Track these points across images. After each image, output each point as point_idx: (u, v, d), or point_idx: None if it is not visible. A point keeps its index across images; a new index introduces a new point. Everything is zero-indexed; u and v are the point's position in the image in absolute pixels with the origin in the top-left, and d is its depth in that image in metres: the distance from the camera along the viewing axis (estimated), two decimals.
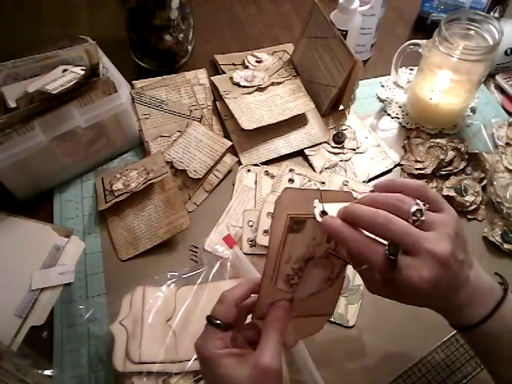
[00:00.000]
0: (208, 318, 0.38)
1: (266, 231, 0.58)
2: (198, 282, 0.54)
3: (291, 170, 0.65)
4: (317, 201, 0.38)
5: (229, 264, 0.55)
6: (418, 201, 0.36)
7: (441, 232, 0.35)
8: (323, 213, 0.38)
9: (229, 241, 0.58)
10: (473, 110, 0.74)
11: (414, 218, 0.35)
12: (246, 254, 0.57)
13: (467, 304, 0.38)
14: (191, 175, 0.63)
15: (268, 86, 0.73)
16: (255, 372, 0.34)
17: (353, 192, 0.50)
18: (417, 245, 0.34)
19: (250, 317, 0.41)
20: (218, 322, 0.37)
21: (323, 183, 0.64)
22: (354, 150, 0.68)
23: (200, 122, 0.69)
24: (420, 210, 0.35)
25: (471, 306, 0.38)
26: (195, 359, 0.48)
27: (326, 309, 0.44)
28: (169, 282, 0.54)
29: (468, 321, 0.38)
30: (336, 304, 0.43)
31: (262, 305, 0.39)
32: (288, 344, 0.41)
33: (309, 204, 0.38)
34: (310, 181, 0.64)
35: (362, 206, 0.36)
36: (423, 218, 0.35)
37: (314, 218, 0.37)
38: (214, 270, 0.54)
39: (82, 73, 0.59)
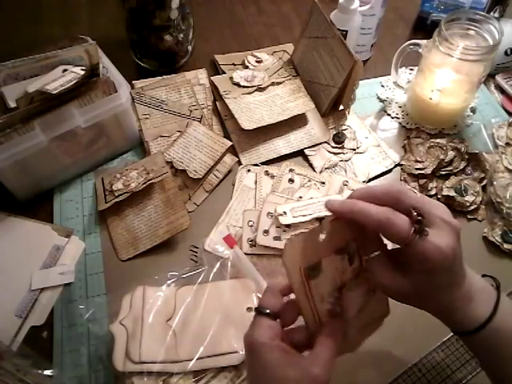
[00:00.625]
0: (256, 309, 0.38)
1: (265, 231, 0.58)
2: (198, 281, 0.54)
3: (291, 170, 0.65)
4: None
5: (229, 264, 0.55)
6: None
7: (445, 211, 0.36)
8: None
9: (229, 241, 0.58)
10: (473, 110, 0.74)
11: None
12: (246, 253, 0.57)
13: (467, 302, 0.38)
14: (191, 175, 0.63)
15: (268, 86, 0.73)
16: (306, 378, 0.34)
17: None
18: (432, 214, 0.34)
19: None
20: (267, 310, 0.37)
21: (323, 183, 0.64)
22: (354, 149, 0.68)
23: (200, 122, 0.69)
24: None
25: (472, 304, 0.38)
26: (196, 359, 0.48)
27: (382, 311, 0.43)
28: (169, 282, 0.54)
29: (473, 321, 0.38)
30: (388, 301, 0.43)
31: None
32: (350, 351, 0.41)
33: (315, 245, 0.37)
34: (309, 181, 0.64)
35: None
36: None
37: (327, 256, 0.37)
38: (215, 270, 0.54)
39: (82, 73, 0.59)
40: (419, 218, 0.34)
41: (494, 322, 0.37)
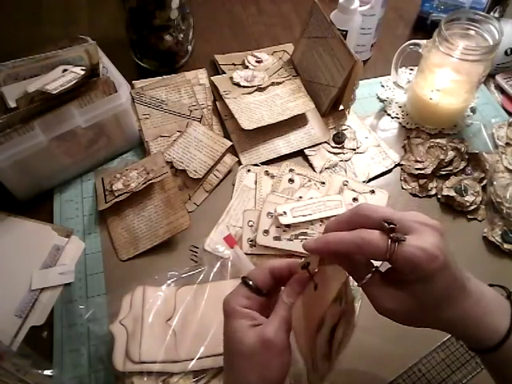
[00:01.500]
0: (243, 277, 0.38)
1: (265, 231, 0.58)
2: (198, 281, 0.54)
3: (291, 170, 0.65)
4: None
5: (229, 264, 0.55)
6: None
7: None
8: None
9: (229, 241, 0.58)
10: (473, 110, 0.74)
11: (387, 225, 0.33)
12: (246, 253, 0.57)
13: (481, 316, 0.35)
14: (191, 175, 0.63)
15: (268, 86, 0.73)
16: (258, 342, 0.34)
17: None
18: (406, 220, 0.34)
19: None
20: (250, 282, 0.37)
21: (323, 183, 0.64)
22: (354, 149, 0.68)
23: (200, 122, 0.69)
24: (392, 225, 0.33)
25: (487, 318, 0.36)
26: (196, 359, 0.48)
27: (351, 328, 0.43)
28: (169, 282, 0.54)
29: (491, 336, 0.35)
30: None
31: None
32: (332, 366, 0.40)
33: (314, 303, 0.36)
34: (309, 181, 0.64)
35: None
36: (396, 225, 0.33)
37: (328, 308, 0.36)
38: (215, 270, 0.54)
39: (82, 73, 0.59)
40: (391, 226, 0.33)
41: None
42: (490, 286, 0.39)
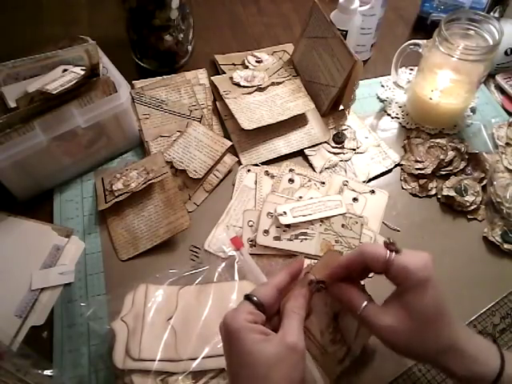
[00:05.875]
0: (246, 295, 0.39)
1: (265, 231, 0.58)
2: (198, 280, 0.54)
3: (291, 170, 0.65)
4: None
5: (236, 266, 0.55)
6: None
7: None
8: (318, 283, 0.42)
9: (236, 242, 0.57)
10: (473, 110, 0.74)
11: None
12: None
13: (474, 353, 0.39)
14: (191, 175, 0.63)
15: (268, 86, 0.73)
16: (283, 349, 0.35)
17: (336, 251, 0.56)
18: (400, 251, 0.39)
19: None
20: (255, 298, 0.38)
21: (323, 183, 0.64)
22: (354, 150, 0.68)
23: (200, 122, 0.69)
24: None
25: (481, 355, 0.39)
26: (196, 359, 0.48)
27: None
28: (171, 280, 0.54)
29: (485, 372, 0.38)
30: None
31: None
32: (354, 350, 0.45)
33: (301, 294, 0.42)
34: (309, 181, 0.64)
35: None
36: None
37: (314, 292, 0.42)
38: (219, 270, 0.54)
39: (82, 73, 0.59)
40: (391, 241, 0.39)
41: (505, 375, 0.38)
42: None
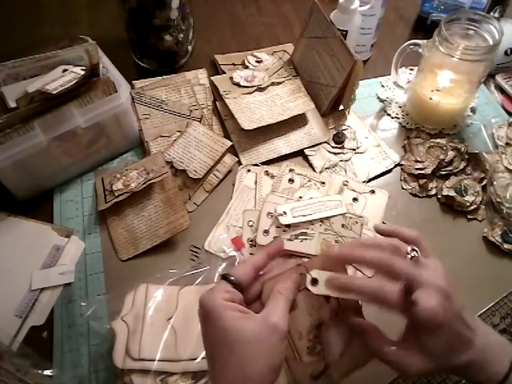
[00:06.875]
0: (222, 274, 0.39)
1: (265, 231, 0.58)
2: (198, 280, 0.54)
3: (291, 170, 0.65)
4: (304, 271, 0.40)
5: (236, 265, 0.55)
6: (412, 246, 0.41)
7: (435, 269, 0.40)
8: (314, 280, 0.39)
9: (237, 243, 0.57)
10: (473, 110, 0.74)
11: (413, 254, 0.40)
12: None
13: (485, 364, 0.39)
14: (191, 175, 0.63)
15: (268, 86, 0.73)
16: (264, 327, 0.35)
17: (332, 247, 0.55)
18: (418, 277, 0.38)
19: None
20: (232, 278, 0.38)
21: (323, 183, 0.64)
22: (354, 150, 0.68)
23: (200, 122, 0.69)
24: (415, 249, 0.40)
25: (490, 366, 0.39)
26: (196, 359, 0.48)
27: (365, 356, 0.44)
28: (171, 280, 0.54)
29: (491, 379, 0.38)
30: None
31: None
32: (332, 373, 0.42)
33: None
34: (309, 181, 0.64)
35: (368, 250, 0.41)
36: (419, 255, 0.40)
37: (302, 290, 0.40)
38: (220, 270, 0.54)
39: (82, 73, 0.59)
40: (414, 248, 0.40)
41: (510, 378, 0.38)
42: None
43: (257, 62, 0.77)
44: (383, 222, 0.62)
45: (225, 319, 0.35)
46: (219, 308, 0.35)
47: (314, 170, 0.66)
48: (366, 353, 0.42)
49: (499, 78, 0.77)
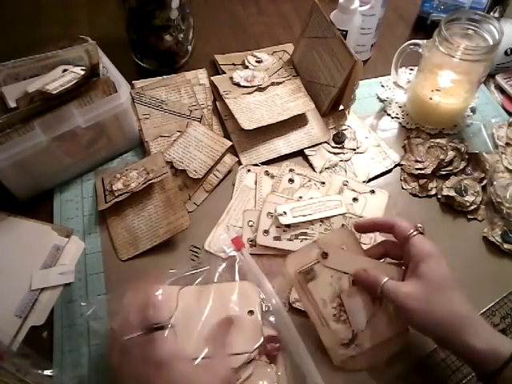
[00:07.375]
0: (150, 327, 0.44)
1: (265, 231, 0.58)
2: (198, 281, 0.53)
3: (291, 170, 0.65)
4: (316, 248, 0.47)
5: (237, 266, 0.55)
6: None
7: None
8: (324, 254, 0.47)
9: (237, 243, 0.57)
10: (473, 110, 0.74)
11: (420, 229, 0.49)
12: None
13: (490, 331, 0.41)
14: (191, 175, 0.63)
15: (268, 86, 0.73)
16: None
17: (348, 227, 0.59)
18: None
19: None
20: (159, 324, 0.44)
21: (323, 183, 0.64)
22: (354, 149, 0.68)
23: (200, 122, 0.69)
24: (421, 226, 0.51)
25: (495, 334, 0.41)
26: (200, 358, 0.48)
27: (397, 327, 0.46)
28: (171, 280, 0.53)
29: (497, 353, 0.39)
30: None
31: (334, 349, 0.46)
32: (374, 369, 0.47)
33: (308, 255, 0.48)
34: (309, 181, 0.64)
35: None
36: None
37: (318, 262, 0.47)
38: (220, 270, 0.54)
39: (82, 73, 0.59)
40: (420, 225, 0.51)
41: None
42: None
43: (257, 62, 0.77)
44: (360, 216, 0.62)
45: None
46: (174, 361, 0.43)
47: (314, 170, 0.66)
48: (391, 328, 0.45)
49: (499, 78, 0.77)
